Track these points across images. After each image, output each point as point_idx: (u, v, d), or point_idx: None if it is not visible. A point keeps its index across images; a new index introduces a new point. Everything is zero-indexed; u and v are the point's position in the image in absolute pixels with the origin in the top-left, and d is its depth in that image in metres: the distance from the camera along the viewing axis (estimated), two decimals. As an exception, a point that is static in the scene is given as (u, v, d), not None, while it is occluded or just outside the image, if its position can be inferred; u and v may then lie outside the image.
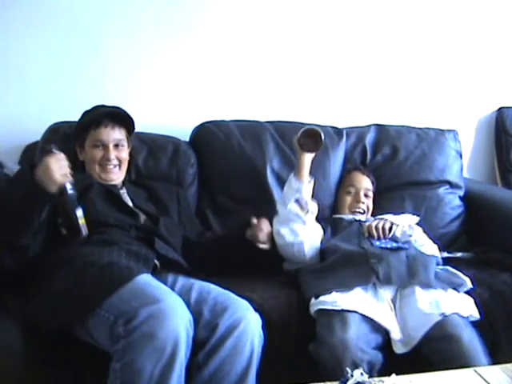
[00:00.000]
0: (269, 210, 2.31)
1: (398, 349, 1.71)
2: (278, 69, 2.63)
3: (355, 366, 1.52)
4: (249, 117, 2.52)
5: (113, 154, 1.94)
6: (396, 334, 1.73)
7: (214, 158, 2.40)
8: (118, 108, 2.00)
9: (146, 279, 1.59)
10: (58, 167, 1.64)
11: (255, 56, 2.61)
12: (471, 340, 1.66)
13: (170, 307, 1.47)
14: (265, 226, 1.97)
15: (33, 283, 1.70)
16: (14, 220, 1.65)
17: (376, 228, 2.05)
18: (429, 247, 2.11)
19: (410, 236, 2.09)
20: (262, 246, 1.95)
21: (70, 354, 1.61)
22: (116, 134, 1.95)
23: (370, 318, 1.73)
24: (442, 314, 1.72)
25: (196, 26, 2.54)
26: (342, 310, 1.71)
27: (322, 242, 2.08)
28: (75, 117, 2.27)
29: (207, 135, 2.42)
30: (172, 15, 2.51)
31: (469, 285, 1.90)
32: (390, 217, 2.14)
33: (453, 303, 1.79)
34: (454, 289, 1.87)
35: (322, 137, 1.98)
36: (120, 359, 1.44)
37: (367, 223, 2.10)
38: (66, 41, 2.41)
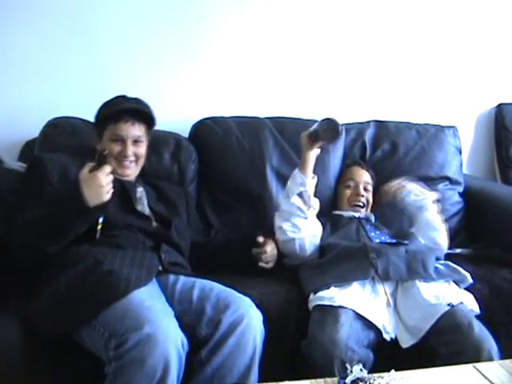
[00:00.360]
0: (268, 205, 2.32)
1: (404, 343, 1.71)
2: (278, 65, 2.63)
3: (344, 365, 1.52)
4: (248, 113, 2.52)
5: (130, 150, 1.91)
6: (388, 333, 1.73)
7: (213, 154, 2.39)
8: (139, 102, 1.96)
9: (140, 296, 1.55)
10: (106, 184, 1.63)
11: (254, 52, 2.61)
12: (482, 329, 1.66)
13: (161, 331, 1.45)
14: (270, 247, 1.98)
15: (34, 281, 1.69)
16: (52, 232, 1.65)
17: (388, 190, 2.12)
18: (438, 222, 2.10)
19: (422, 201, 2.10)
20: (263, 265, 1.97)
21: (68, 352, 1.61)
22: (136, 130, 1.92)
23: (363, 316, 1.73)
24: (450, 304, 1.72)
25: (196, 22, 2.53)
26: (338, 307, 1.71)
27: (321, 239, 2.08)
28: (74, 112, 2.28)
29: (206, 131, 2.41)
30: (172, 12, 2.50)
31: (469, 280, 1.91)
32: (411, 185, 2.16)
33: (457, 294, 1.80)
34: (455, 283, 1.87)
35: (341, 128, 1.97)
36: (112, 382, 1.44)
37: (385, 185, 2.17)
38: (65, 37, 2.40)
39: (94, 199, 1.61)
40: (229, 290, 1.71)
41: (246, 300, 1.67)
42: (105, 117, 1.92)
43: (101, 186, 1.62)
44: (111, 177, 1.66)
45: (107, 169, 1.65)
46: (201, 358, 1.57)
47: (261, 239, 1.96)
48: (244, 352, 1.57)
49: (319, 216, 2.14)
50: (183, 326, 1.54)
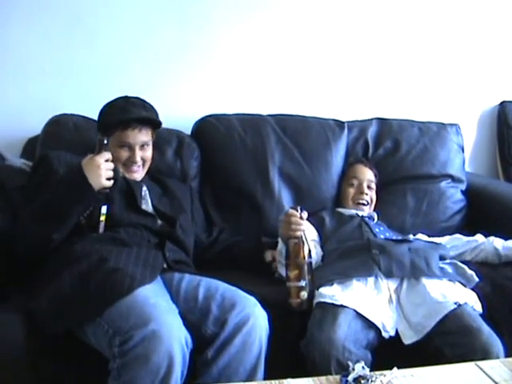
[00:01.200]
0: (270, 203, 2.32)
1: (407, 339, 1.70)
2: (280, 62, 2.63)
3: (341, 366, 1.53)
4: (250, 110, 2.51)
5: (138, 155, 1.92)
6: (387, 332, 1.72)
7: (216, 152, 2.39)
8: (145, 106, 1.95)
9: (145, 293, 1.55)
10: (106, 169, 1.68)
11: (256, 50, 2.60)
12: (491, 333, 1.64)
13: (165, 328, 1.45)
14: None
15: (37, 278, 1.70)
16: (53, 215, 1.67)
17: None
18: None
19: None
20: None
21: (72, 348, 1.61)
22: (143, 136, 1.92)
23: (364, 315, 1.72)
24: (456, 302, 1.71)
25: (198, 18, 2.53)
26: (339, 306, 1.70)
27: (323, 236, 2.09)
28: (76, 109, 2.28)
29: (209, 128, 2.41)
30: (174, 9, 2.51)
31: (475, 280, 1.90)
32: None
33: (463, 294, 1.79)
34: (461, 284, 1.87)
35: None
36: (116, 379, 1.44)
37: None
38: (66, 33, 2.40)
39: (94, 182, 1.66)
40: (234, 288, 1.71)
41: (252, 299, 1.67)
42: (111, 124, 1.91)
43: (98, 166, 1.66)
44: (111, 164, 1.71)
45: (107, 155, 1.70)
46: (207, 357, 1.57)
47: (269, 258, 2.00)
48: (250, 351, 1.58)
49: (321, 212, 2.15)
50: (188, 325, 1.54)
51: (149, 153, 1.97)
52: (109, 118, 1.93)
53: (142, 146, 1.94)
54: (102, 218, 1.73)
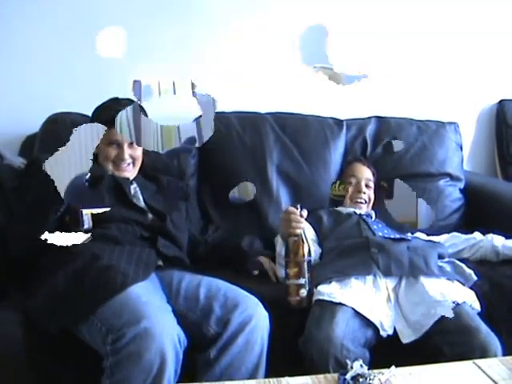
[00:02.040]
0: (268, 202, 2.32)
1: (405, 338, 1.70)
2: (279, 60, 2.62)
3: (339, 364, 1.54)
4: (249, 108, 2.51)
5: (127, 153, 1.92)
6: (385, 330, 1.72)
7: (214, 150, 2.38)
8: (131, 103, 1.95)
9: (138, 291, 1.56)
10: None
11: (256, 48, 2.60)
12: (489, 332, 1.65)
13: (157, 326, 1.45)
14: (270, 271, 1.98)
15: (33, 277, 1.70)
16: (35, 212, 1.67)
17: None
18: None
19: None
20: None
21: (69, 347, 1.61)
22: None
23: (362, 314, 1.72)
24: (455, 301, 1.72)
25: (196, 15, 2.53)
26: (337, 304, 1.71)
27: (321, 234, 2.09)
28: (75, 108, 2.28)
29: (207, 126, 2.41)
30: (174, 8, 2.50)
31: (474, 278, 1.90)
32: None
33: (461, 293, 1.80)
34: (460, 282, 1.87)
35: None
36: (109, 377, 1.44)
37: None
38: (65, 31, 2.40)
39: None
40: (236, 288, 1.71)
41: (254, 299, 1.68)
42: (99, 123, 1.91)
43: None
44: None
45: None
46: (209, 357, 1.58)
47: (256, 273, 1.98)
48: (252, 351, 1.59)
49: (318, 211, 2.16)
50: (188, 324, 1.55)
51: (138, 152, 1.97)
52: (97, 117, 1.94)
53: (131, 144, 1.93)
54: (86, 211, 1.70)
